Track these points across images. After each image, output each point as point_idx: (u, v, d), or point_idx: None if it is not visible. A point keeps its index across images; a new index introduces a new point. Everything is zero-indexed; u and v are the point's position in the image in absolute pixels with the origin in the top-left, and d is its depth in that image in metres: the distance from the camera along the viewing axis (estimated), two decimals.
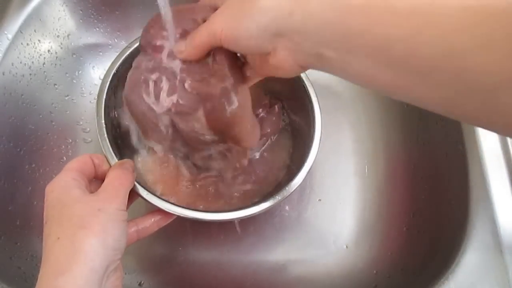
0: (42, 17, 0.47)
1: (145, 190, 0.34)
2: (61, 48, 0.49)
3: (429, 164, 0.46)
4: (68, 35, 0.50)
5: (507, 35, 0.18)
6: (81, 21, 0.51)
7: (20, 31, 0.44)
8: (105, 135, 0.35)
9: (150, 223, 0.34)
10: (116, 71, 0.38)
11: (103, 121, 0.36)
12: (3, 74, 0.43)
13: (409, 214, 0.45)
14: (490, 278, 0.34)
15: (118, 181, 0.31)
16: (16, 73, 0.44)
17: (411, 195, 0.47)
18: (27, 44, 0.45)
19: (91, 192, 0.30)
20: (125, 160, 0.34)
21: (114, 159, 0.34)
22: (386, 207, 0.48)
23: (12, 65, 0.44)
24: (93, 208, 0.27)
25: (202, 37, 0.28)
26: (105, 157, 0.34)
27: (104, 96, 0.37)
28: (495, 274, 0.35)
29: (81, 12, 0.50)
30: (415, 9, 0.20)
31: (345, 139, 0.52)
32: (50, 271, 0.25)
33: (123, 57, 0.39)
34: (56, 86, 0.49)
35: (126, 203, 0.30)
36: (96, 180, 0.33)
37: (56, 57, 0.49)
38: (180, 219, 0.34)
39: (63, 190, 0.29)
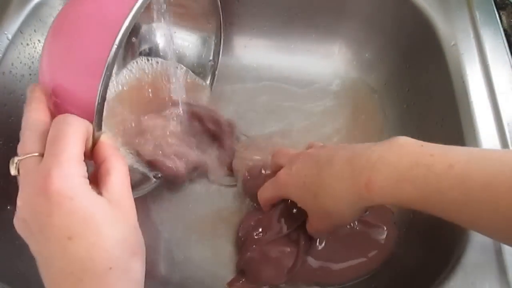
0: (42, 17, 0.46)
1: None
2: None
3: None
4: None
5: None
6: None
7: (20, 31, 0.44)
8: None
9: None
10: None
11: None
12: (3, 74, 0.43)
13: (409, 214, 0.45)
14: (490, 278, 0.34)
15: (127, 187, 0.25)
16: (16, 73, 0.44)
17: None
18: (27, 44, 0.45)
19: None
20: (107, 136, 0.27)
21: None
22: None
23: (12, 65, 0.44)
24: (129, 226, 0.24)
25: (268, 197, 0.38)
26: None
27: None
28: (495, 274, 0.34)
29: None
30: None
31: (345, 140, 0.52)
32: (86, 277, 0.21)
33: None
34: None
35: None
36: None
37: None
38: None
39: (87, 199, 0.22)
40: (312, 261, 0.41)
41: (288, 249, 0.40)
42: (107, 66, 0.25)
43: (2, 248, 0.39)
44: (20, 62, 0.44)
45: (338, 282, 0.42)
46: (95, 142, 0.26)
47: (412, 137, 0.49)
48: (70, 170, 0.22)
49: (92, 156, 0.26)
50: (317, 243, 0.41)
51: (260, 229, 0.41)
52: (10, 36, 0.43)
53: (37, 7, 0.46)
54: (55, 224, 0.21)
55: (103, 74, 0.25)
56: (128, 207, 0.24)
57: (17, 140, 0.44)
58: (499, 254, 0.35)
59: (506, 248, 0.35)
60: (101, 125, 0.26)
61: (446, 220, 0.40)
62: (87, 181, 0.23)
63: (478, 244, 0.35)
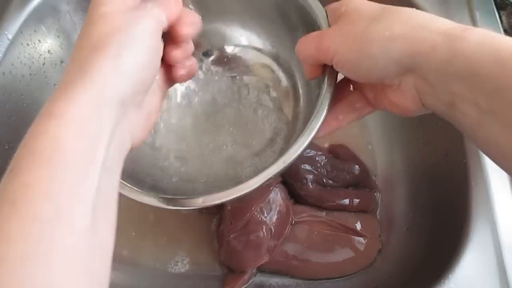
0: (42, 17, 0.46)
1: None
2: (61, 48, 0.49)
3: (429, 164, 0.46)
4: (68, 35, 0.50)
5: None
6: (81, 21, 0.51)
7: (20, 31, 0.44)
8: None
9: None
10: None
11: None
12: (3, 74, 0.43)
13: (409, 214, 0.45)
14: (490, 278, 0.34)
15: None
16: (16, 73, 0.44)
17: (411, 195, 0.47)
18: (27, 44, 0.45)
19: None
20: None
21: None
22: (386, 207, 0.48)
23: (12, 65, 0.44)
24: (121, 23, 0.22)
25: (308, 50, 0.26)
26: None
27: None
28: (495, 274, 0.34)
29: (81, 12, 0.50)
30: None
31: (345, 141, 0.52)
32: (53, 96, 0.20)
33: None
34: (56, 86, 0.49)
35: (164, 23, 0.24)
36: None
37: (56, 57, 0.49)
38: None
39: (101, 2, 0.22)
40: (289, 247, 0.42)
41: (260, 230, 0.41)
42: None
43: None
44: (20, 62, 0.44)
45: (310, 276, 0.43)
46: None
47: (412, 137, 0.50)
48: None
49: None
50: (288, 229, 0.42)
51: (227, 220, 0.42)
52: (10, 36, 0.43)
53: (37, 7, 0.46)
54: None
55: None
56: (145, 8, 0.23)
57: (17, 140, 0.45)
58: (499, 254, 0.35)
59: (506, 248, 0.35)
60: None
61: (446, 219, 0.40)
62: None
63: (478, 244, 0.35)
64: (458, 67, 0.19)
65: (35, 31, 0.46)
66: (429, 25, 0.20)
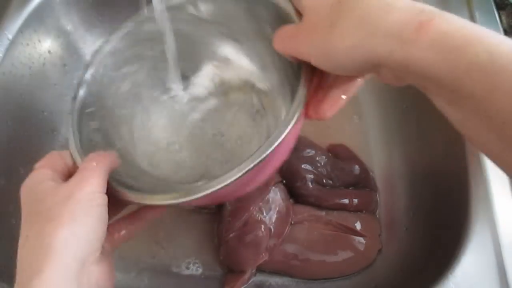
0: (42, 17, 0.47)
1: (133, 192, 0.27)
2: (61, 48, 0.49)
3: (429, 164, 0.46)
4: (68, 35, 0.50)
5: None
6: (81, 21, 0.51)
7: (20, 31, 0.44)
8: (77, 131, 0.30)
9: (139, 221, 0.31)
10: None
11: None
12: (3, 74, 0.43)
13: (409, 214, 0.45)
14: (490, 278, 0.34)
15: (92, 162, 0.27)
16: (16, 73, 0.44)
17: (411, 194, 0.47)
18: (27, 44, 0.45)
19: None
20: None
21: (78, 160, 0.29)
22: (385, 207, 0.48)
23: (12, 65, 0.44)
24: (62, 197, 0.25)
25: (288, 49, 0.27)
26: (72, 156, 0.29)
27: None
28: (495, 274, 0.34)
29: (81, 12, 0.50)
30: None
31: (344, 140, 0.52)
32: (23, 275, 0.23)
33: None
34: (56, 86, 0.49)
35: (104, 185, 0.26)
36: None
37: (56, 57, 0.49)
38: None
39: (35, 185, 0.26)
40: (289, 247, 0.42)
41: (259, 230, 0.41)
42: None
43: (2, 248, 0.39)
44: (20, 62, 0.45)
45: (309, 276, 0.43)
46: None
47: (412, 137, 0.50)
48: (32, 173, 0.27)
49: None
50: (288, 229, 0.43)
51: (227, 220, 0.42)
52: (10, 36, 0.43)
53: (38, 7, 0.46)
54: None
55: None
56: (76, 182, 0.26)
57: (17, 140, 0.45)
58: (499, 254, 0.35)
59: (506, 248, 0.35)
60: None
61: (446, 219, 0.40)
62: (49, 175, 0.27)
63: (478, 244, 0.35)
64: (414, 70, 0.20)
65: (35, 31, 0.46)
66: (382, 26, 0.20)
